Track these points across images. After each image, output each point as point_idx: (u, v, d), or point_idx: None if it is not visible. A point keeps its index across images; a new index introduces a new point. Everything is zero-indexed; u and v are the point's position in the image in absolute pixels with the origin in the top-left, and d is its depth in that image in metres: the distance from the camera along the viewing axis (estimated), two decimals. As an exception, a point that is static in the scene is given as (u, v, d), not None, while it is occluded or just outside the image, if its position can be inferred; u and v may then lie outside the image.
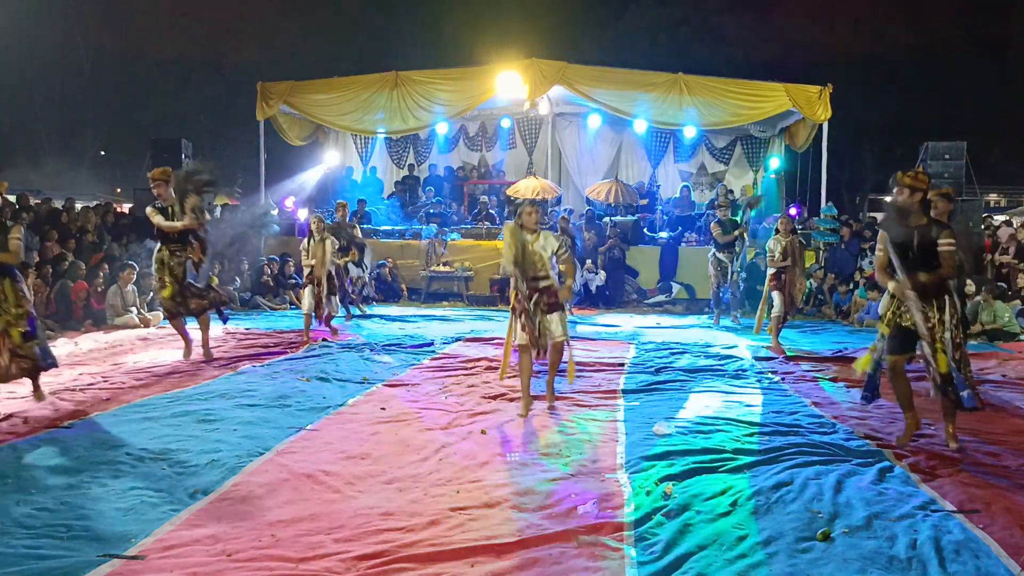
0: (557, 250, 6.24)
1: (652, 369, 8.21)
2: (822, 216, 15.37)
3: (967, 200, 14.39)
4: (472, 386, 7.23)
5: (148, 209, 8.31)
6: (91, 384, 7.21)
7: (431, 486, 4.50)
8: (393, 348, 9.40)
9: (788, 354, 9.21)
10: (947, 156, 15.04)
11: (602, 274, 14.67)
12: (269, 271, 14.37)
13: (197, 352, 8.53)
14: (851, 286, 13.41)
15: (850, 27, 29.35)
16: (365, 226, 16.68)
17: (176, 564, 3.45)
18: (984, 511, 4.17)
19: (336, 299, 10.54)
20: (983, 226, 14.54)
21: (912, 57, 28.26)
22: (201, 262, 8.41)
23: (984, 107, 28.71)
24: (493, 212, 16.90)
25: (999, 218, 20.58)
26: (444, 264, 15.25)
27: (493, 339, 9.92)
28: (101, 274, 11.47)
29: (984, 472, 4.85)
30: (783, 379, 7.86)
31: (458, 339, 10.08)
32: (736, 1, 30.65)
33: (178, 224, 8.15)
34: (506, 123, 19.11)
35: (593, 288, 14.63)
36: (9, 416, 5.90)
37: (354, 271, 12.86)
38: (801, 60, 26.93)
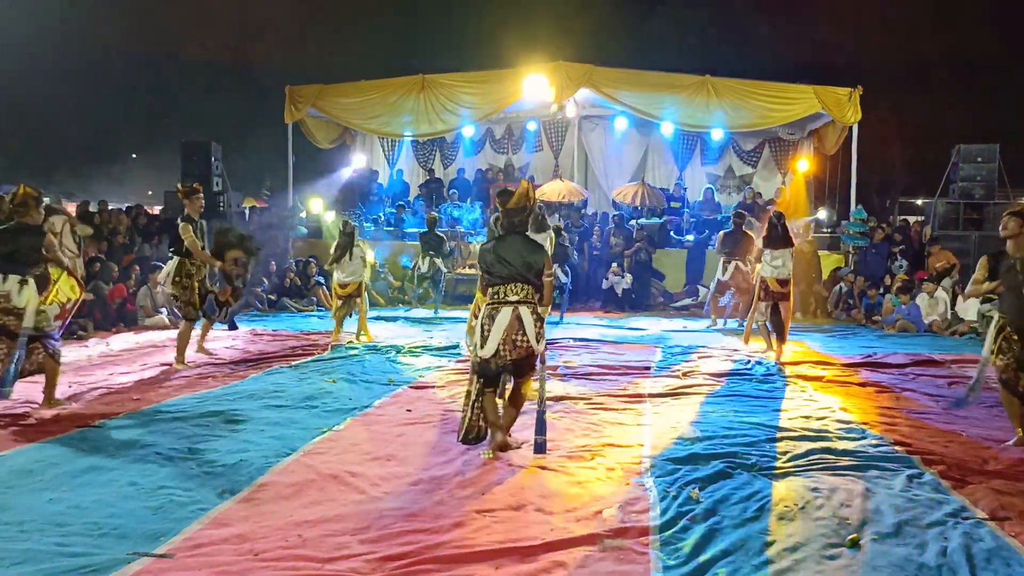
0: None
1: (678, 372, 8.17)
2: (852, 219, 15.22)
3: (999, 204, 14.18)
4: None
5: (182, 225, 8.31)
6: (121, 384, 7.30)
7: (456, 488, 4.50)
8: (419, 350, 9.43)
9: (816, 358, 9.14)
10: (979, 159, 14.84)
11: (628, 277, 14.63)
12: (294, 273, 14.49)
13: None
14: (881, 290, 13.26)
15: (881, 29, 29.04)
16: (387, 229, 16.81)
17: (204, 563, 3.48)
18: (1016, 518, 4.11)
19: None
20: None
21: (944, 58, 27.91)
22: (228, 304, 8.68)
23: (1018, 109, 28.27)
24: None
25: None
26: (470, 267, 15.27)
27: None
28: (132, 275, 11.62)
29: (1017, 479, 4.77)
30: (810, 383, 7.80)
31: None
32: (765, 3, 30.45)
33: (214, 261, 8.44)
34: (532, 126, 19.13)
35: (619, 291, 14.59)
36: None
37: None
38: (831, 62, 26.68)
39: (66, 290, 6.92)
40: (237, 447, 5.21)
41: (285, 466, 4.86)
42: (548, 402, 6.63)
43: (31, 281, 6.18)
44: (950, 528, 3.96)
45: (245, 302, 13.75)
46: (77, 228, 7.68)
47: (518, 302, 5.04)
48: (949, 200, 15.00)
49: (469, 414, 5.15)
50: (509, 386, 5.42)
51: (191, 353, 8.60)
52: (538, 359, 5.19)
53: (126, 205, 16.84)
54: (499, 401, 5.36)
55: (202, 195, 8.50)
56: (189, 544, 3.68)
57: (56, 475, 4.61)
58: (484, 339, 5.03)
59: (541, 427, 5.19)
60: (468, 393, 5.20)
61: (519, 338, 5.00)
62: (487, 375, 5.09)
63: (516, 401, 5.34)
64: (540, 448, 5.15)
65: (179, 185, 8.50)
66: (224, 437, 5.46)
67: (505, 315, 5.01)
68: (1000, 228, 5.71)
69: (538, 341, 5.06)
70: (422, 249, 13.55)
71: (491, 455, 5.06)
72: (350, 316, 10.34)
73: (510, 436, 5.32)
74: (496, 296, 5.08)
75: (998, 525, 4.02)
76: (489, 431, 5.18)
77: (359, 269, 9.97)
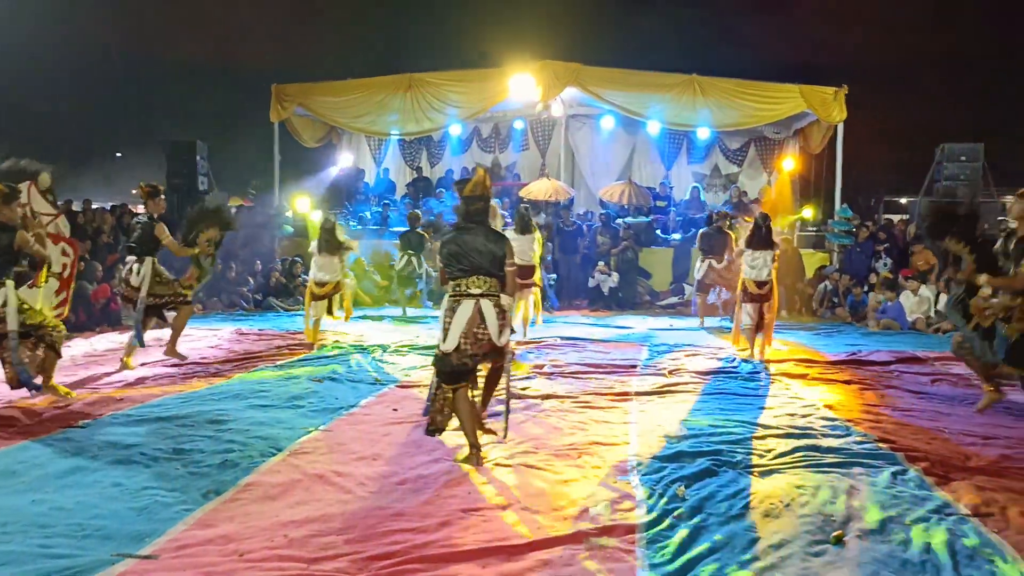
0: None
1: (664, 371, 8.19)
2: (837, 218, 15.31)
3: (983, 203, 14.28)
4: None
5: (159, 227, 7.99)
6: (105, 384, 7.26)
7: (443, 487, 4.50)
8: (405, 349, 9.42)
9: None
10: (964, 158, 14.96)
11: (615, 276, 14.66)
12: (280, 272, 14.44)
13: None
14: (866, 288, 13.34)
15: (866, 28, 29.24)
16: (373, 227, 16.76)
17: (189, 563, 3.47)
18: (999, 515, 4.14)
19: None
20: (1000, 228, 14.44)
21: (929, 58, 28.11)
22: (191, 287, 8.34)
23: (1002, 108, 28.51)
24: (505, 213, 16.91)
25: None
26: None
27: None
28: (116, 275, 11.53)
29: (1000, 475, 4.81)
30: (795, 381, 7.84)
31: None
32: (752, 2, 30.57)
33: (191, 252, 8.17)
34: (519, 124, 19.14)
35: (606, 290, 14.62)
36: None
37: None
38: (817, 62, 26.82)
39: (57, 257, 6.80)
40: (222, 447, 5.19)
41: (271, 466, 4.84)
42: (535, 400, 6.69)
43: (9, 283, 6.11)
44: (934, 524, 3.99)
45: (231, 301, 13.74)
46: (39, 182, 7.13)
47: (480, 295, 4.96)
48: (933, 199, 15.09)
49: (431, 406, 5.07)
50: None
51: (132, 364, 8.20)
52: (506, 352, 5.13)
53: (110, 204, 16.74)
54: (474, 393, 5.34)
55: (164, 196, 8.27)
56: (174, 545, 3.66)
57: (39, 476, 4.58)
58: (445, 332, 4.96)
59: (504, 419, 5.26)
60: (430, 385, 5.12)
61: (480, 331, 4.93)
62: (447, 370, 4.96)
63: (492, 381, 5.32)
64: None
65: (141, 184, 8.13)
66: (209, 437, 5.43)
67: (466, 308, 4.93)
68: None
69: (500, 334, 4.98)
70: (402, 248, 13.50)
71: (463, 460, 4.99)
72: (330, 313, 10.22)
73: (483, 426, 5.32)
74: (458, 289, 5.01)
75: (981, 521, 4.05)
76: (467, 442, 5.06)
77: (336, 267, 9.83)
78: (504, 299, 5.08)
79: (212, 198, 10.68)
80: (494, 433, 5.33)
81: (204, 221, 8.28)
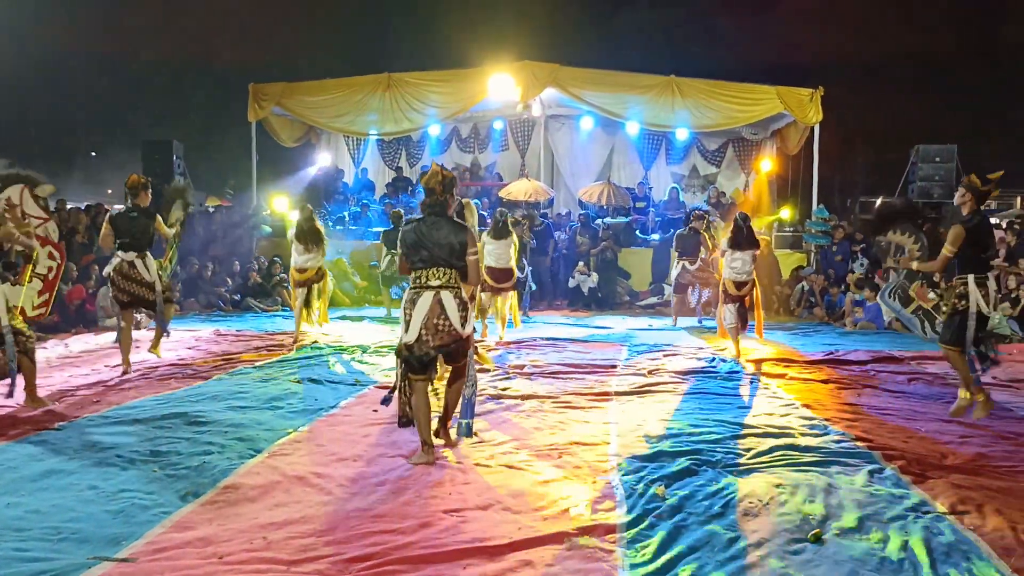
0: None
1: (644, 371, 8.22)
2: (814, 218, 15.43)
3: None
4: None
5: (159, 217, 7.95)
6: (81, 386, 7.18)
7: (423, 488, 4.49)
8: (384, 350, 9.39)
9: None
10: (938, 159, 15.14)
11: (594, 276, 14.70)
12: (257, 272, 14.35)
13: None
14: (843, 288, 13.45)
15: (842, 30, 29.51)
16: (352, 228, 16.69)
17: (167, 567, 3.44)
18: (975, 512, 4.19)
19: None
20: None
21: (904, 60, 28.43)
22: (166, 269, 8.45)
23: (975, 109, 28.88)
24: (484, 214, 16.91)
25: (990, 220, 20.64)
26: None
27: (480, 340, 9.92)
28: (92, 276, 11.42)
29: (976, 474, 4.87)
30: (774, 380, 7.88)
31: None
32: (729, 4, 30.78)
33: (169, 233, 8.28)
34: (498, 125, 19.14)
35: (585, 290, 14.65)
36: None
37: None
38: (794, 63, 27.05)
39: (43, 260, 6.80)
40: (200, 449, 5.15)
41: (250, 468, 4.81)
42: (515, 400, 6.69)
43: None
44: (911, 522, 4.03)
45: (208, 302, 13.64)
46: (38, 191, 7.17)
47: (440, 287, 5.00)
48: (908, 200, 15.26)
49: (400, 398, 5.12)
50: (446, 373, 5.41)
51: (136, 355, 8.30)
52: (469, 344, 5.16)
53: (85, 204, 16.55)
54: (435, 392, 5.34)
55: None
56: (151, 548, 3.62)
57: (14, 479, 4.52)
58: (407, 324, 5.01)
59: (467, 410, 5.20)
60: (395, 377, 5.17)
61: (440, 322, 4.96)
62: (410, 362, 5.01)
63: (456, 386, 5.31)
64: (467, 431, 5.18)
65: (136, 176, 7.85)
66: (187, 439, 5.39)
67: (426, 300, 4.98)
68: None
69: (463, 325, 5.02)
70: (386, 247, 13.34)
71: (417, 463, 4.94)
72: (308, 306, 10.27)
73: (447, 431, 5.33)
74: (418, 281, 5.05)
75: (957, 519, 4.09)
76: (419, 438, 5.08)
77: (317, 253, 9.99)
78: (466, 289, 5.13)
79: (174, 183, 11.02)
80: (453, 445, 5.28)
81: (173, 199, 8.47)
